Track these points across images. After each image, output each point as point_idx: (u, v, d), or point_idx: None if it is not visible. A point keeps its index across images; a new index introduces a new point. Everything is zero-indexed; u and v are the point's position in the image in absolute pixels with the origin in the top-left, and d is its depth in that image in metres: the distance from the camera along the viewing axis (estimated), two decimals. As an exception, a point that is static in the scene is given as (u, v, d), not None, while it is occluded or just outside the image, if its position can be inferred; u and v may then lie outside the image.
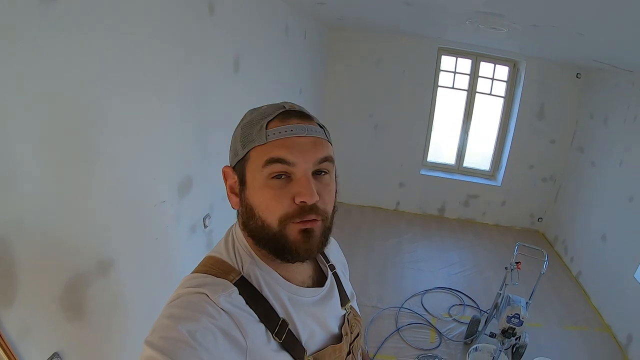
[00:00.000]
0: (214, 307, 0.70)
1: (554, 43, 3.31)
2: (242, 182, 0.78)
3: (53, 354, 1.24)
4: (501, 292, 3.08)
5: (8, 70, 1.01)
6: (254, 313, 0.76)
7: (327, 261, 0.98)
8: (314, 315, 0.85)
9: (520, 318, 2.79)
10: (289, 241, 0.76)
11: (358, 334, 0.99)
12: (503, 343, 2.89)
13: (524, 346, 3.11)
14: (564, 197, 5.03)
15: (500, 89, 5.05)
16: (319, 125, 0.80)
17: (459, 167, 5.43)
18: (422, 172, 5.38)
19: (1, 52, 0.98)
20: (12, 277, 1.09)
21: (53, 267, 1.24)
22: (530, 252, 3.20)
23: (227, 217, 2.37)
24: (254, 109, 0.82)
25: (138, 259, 1.67)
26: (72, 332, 1.33)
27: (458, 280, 4.18)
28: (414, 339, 3.35)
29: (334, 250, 1.05)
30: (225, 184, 0.83)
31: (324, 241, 0.81)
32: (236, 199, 0.81)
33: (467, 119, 5.13)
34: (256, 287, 0.78)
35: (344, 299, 0.96)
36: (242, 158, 0.77)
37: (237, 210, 0.85)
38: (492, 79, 4.98)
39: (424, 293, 3.89)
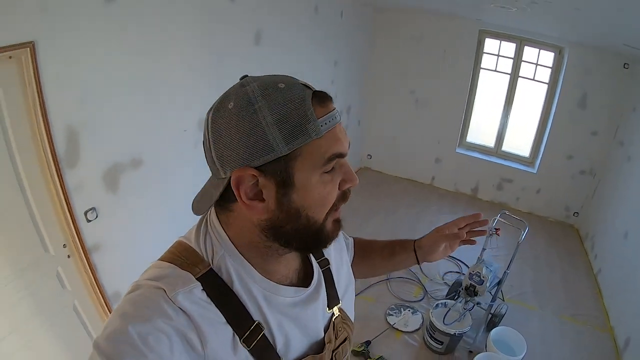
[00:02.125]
0: (171, 305, 0.64)
1: (588, 23, 3.31)
2: (286, 184, 0.66)
3: (91, 208, 2.05)
4: (480, 256, 3.28)
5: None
6: (220, 313, 0.68)
7: (322, 255, 0.91)
8: (294, 318, 0.78)
9: (481, 277, 3.01)
10: (325, 233, 0.72)
11: (345, 339, 0.92)
12: (467, 301, 3.13)
13: (498, 316, 3.30)
14: (601, 193, 4.83)
15: (545, 75, 5.00)
16: None
17: (497, 150, 5.51)
18: (458, 150, 5.54)
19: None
20: (77, 152, 1.93)
21: (102, 153, 2.09)
22: (512, 222, 3.34)
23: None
24: (270, 88, 0.65)
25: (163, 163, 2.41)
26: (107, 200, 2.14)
27: (467, 253, 4.17)
28: (399, 291, 3.69)
29: None
30: (237, 193, 0.66)
31: None
32: (263, 205, 0.68)
33: (508, 103, 5.18)
34: (226, 281, 0.71)
35: (332, 300, 0.89)
36: (286, 155, 0.64)
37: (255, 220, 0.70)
38: (536, 64, 4.95)
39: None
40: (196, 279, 0.68)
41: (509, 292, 3.87)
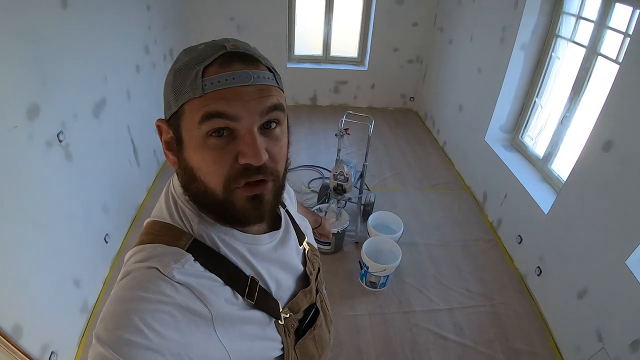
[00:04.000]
0: (168, 282, 0.62)
1: None
2: (179, 140, 0.67)
3: None
4: (337, 157, 3.42)
5: None
6: (217, 277, 0.69)
7: None
8: (277, 261, 0.81)
9: (345, 175, 3.14)
10: (236, 209, 0.68)
11: (319, 269, 0.96)
12: (338, 201, 3.28)
13: (369, 204, 3.54)
14: (430, 76, 5.37)
15: None
16: (268, 69, 0.68)
17: (326, 57, 5.64)
18: (289, 65, 5.53)
19: None
20: None
21: None
22: (358, 119, 3.43)
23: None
24: (190, 48, 0.68)
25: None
26: None
27: (323, 158, 4.48)
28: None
29: None
30: (161, 139, 0.71)
31: (277, 202, 0.73)
32: (173, 158, 0.70)
33: (329, 10, 5.24)
34: (212, 247, 0.71)
35: (300, 236, 0.92)
36: (176, 112, 0.65)
37: (176, 170, 0.74)
38: None
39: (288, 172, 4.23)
40: (185, 251, 0.68)
41: (371, 182, 4.15)
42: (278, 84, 0.68)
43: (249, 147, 0.62)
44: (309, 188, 4.06)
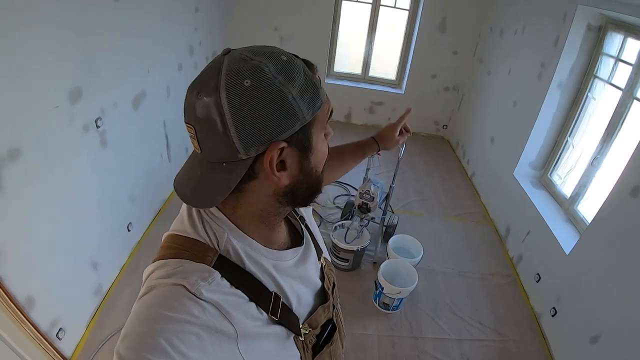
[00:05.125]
0: (195, 301, 0.61)
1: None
2: (307, 148, 0.67)
3: None
4: (365, 176, 3.44)
5: None
6: (242, 293, 0.68)
7: (297, 214, 0.92)
8: (298, 277, 0.81)
9: (371, 194, 3.17)
10: (321, 182, 0.74)
11: (334, 284, 0.97)
12: (362, 219, 3.32)
13: (391, 226, 3.57)
14: (465, 106, 5.37)
15: (405, 2, 5.24)
16: None
17: (365, 76, 5.72)
18: (328, 80, 5.63)
19: None
20: None
21: None
22: None
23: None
24: (274, 59, 0.63)
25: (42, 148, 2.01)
26: None
27: (350, 176, 4.40)
28: (296, 222, 3.77)
29: None
30: (269, 169, 0.64)
31: None
32: (284, 175, 0.66)
33: (371, 31, 5.34)
34: (238, 263, 0.70)
35: (318, 251, 0.92)
36: (308, 122, 0.65)
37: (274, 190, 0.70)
38: None
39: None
40: (212, 267, 0.66)
41: (396, 205, 4.17)
42: None
43: (328, 127, 0.73)
44: (334, 204, 4.12)
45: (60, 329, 2.25)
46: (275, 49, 0.65)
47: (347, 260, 3.18)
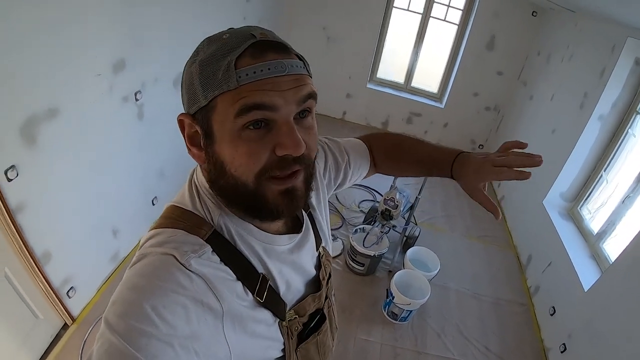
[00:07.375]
0: (184, 271, 0.61)
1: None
2: (208, 135, 0.65)
3: (11, 166, 1.78)
4: (393, 183, 3.49)
5: None
6: (231, 271, 0.68)
7: None
8: (291, 263, 0.80)
9: (395, 202, 3.18)
10: (268, 202, 0.66)
11: (330, 275, 0.95)
12: (383, 225, 3.32)
13: (412, 237, 3.57)
14: (504, 128, 5.31)
15: (456, 16, 5.20)
16: (297, 57, 0.66)
17: (407, 86, 5.71)
18: (369, 86, 5.64)
19: None
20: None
21: (16, 105, 1.75)
22: None
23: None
24: (213, 37, 0.66)
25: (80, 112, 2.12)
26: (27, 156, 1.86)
27: (378, 182, 4.42)
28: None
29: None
30: (183, 135, 0.69)
31: (308, 191, 0.72)
32: (199, 153, 0.69)
33: (419, 41, 5.32)
34: (230, 241, 0.71)
35: (318, 241, 0.90)
36: (205, 106, 0.63)
37: (199, 165, 0.74)
38: (448, 5, 5.11)
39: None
40: (204, 241, 0.67)
41: (421, 217, 4.16)
42: (308, 71, 0.67)
43: (288, 138, 0.62)
44: (359, 207, 4.14)
45: (71, 288, 2.34)
46: (243, 28, 0.66)
47: (363, 265, 3.20)
